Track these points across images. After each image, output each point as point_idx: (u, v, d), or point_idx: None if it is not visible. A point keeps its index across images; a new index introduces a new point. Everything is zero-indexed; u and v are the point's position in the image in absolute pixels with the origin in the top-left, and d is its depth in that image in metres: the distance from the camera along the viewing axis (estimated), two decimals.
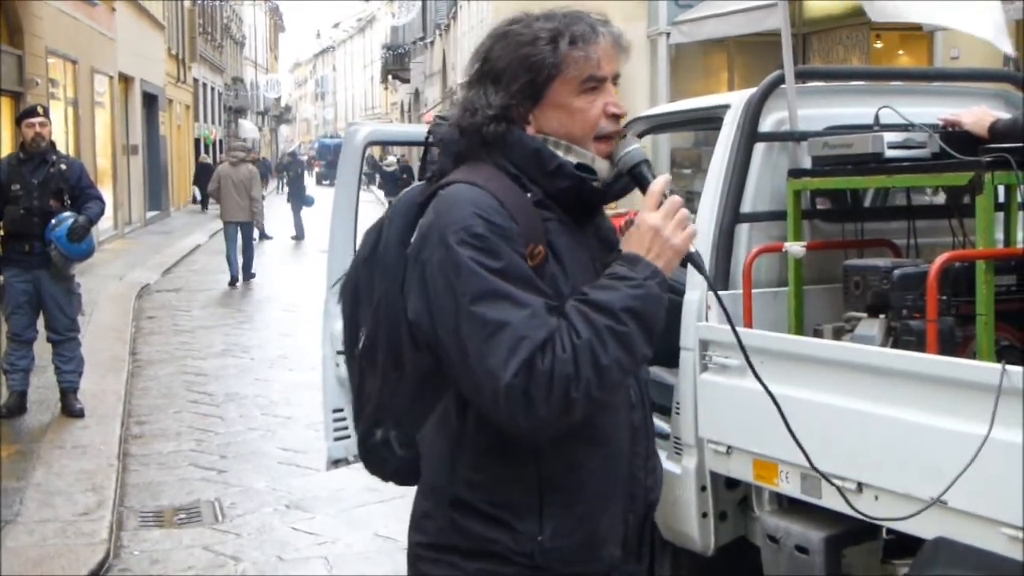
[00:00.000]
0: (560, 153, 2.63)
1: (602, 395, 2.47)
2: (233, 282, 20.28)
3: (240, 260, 20.32)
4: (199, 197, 40.42)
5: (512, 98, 2.63)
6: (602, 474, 2.64)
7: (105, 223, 22.23)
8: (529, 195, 2.60)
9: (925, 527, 3.82)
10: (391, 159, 42.11)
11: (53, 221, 9.04)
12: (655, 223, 2.53)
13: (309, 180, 43.02)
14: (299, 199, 30.56)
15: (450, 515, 2.67)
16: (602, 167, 2.66)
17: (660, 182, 2.57)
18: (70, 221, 9.03)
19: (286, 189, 33.31)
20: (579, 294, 2.51)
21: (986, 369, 3.61)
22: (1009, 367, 3.48)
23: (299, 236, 29.32)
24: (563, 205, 2.64)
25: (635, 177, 2.64)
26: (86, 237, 9.18)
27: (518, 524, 2.59)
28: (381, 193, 44.69)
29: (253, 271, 20.87)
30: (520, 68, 2.62)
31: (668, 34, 17.63)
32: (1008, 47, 4.98)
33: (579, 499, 2.61)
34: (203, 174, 39.25)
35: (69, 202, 9.23)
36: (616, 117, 2.65)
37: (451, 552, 2.68)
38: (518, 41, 2.65)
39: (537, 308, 2.44)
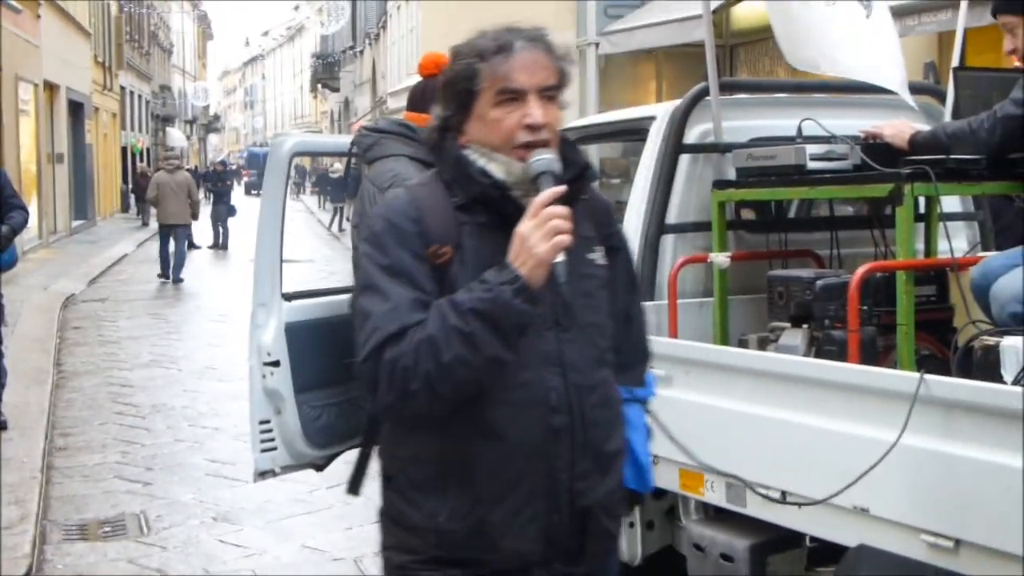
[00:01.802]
0: (482, 161, 2.79)
1: (447, 390, 2.63)
2: (164, 276, 22.01)
3: (172, 262, 21.94)
4: (137, 208, 39.75)
5: (448, 111, 2.85)
6: (496, 468, 2.74)
7: (29, 232, 22.02)
8: (455, 199, 2.79)
9: (848, 534, 3.87)
10: (338, 165, 42.30)
11: None
12: (523, 231, 2.63)
13: (238, 189, 42.63)
14: (225, 209, 30.45)
15: (384, 487, 2.93)
16: (516, 172, 2.76)
17: (545, 194, 2.64)
18: None
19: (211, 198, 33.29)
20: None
21: (904, 378, 3.66)
22: (927, 376, 3.54)
23: (223, 246, 29.31)
24: (488, 210, 2.78)
25: (536, 187, 2.71)
26: (8, 247, 9.04)
27: (423, 502, 2.81)
28: (312, 202, 44.69)
29: (182, 276, 22.10)
30: (452, 83, 2.83)
31: (597, 44, 17.68)
32: (911, 101, 5.12)
33: (471, 488, 2.76)
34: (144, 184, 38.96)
35: None
36: (532, 128, 2.75)
37: (387, 520, 2.93)
38: (455, 59, 2.84)
39: (399, 303, 2.68)
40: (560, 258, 2.61)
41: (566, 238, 2.61)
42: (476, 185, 2.78)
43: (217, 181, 32.26)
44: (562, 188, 2.67)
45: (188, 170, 28.38)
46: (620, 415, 2.98)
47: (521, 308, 2.60)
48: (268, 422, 5.36)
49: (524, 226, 2.63)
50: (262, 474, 5.47)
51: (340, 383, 5.34)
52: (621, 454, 2.96)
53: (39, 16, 27.84)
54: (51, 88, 30.76)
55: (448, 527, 2.77)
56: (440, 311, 2.63)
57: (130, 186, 44.11)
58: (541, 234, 2.60)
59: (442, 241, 2.74)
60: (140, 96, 55.32)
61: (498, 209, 2.77)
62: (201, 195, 28.85)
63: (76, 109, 35.39)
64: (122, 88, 47.71)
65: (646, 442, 3.13)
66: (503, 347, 2.62)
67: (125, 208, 44.11)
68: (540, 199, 2.64)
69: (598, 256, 2.92)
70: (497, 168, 2.78)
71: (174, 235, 21.83)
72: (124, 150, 48.46)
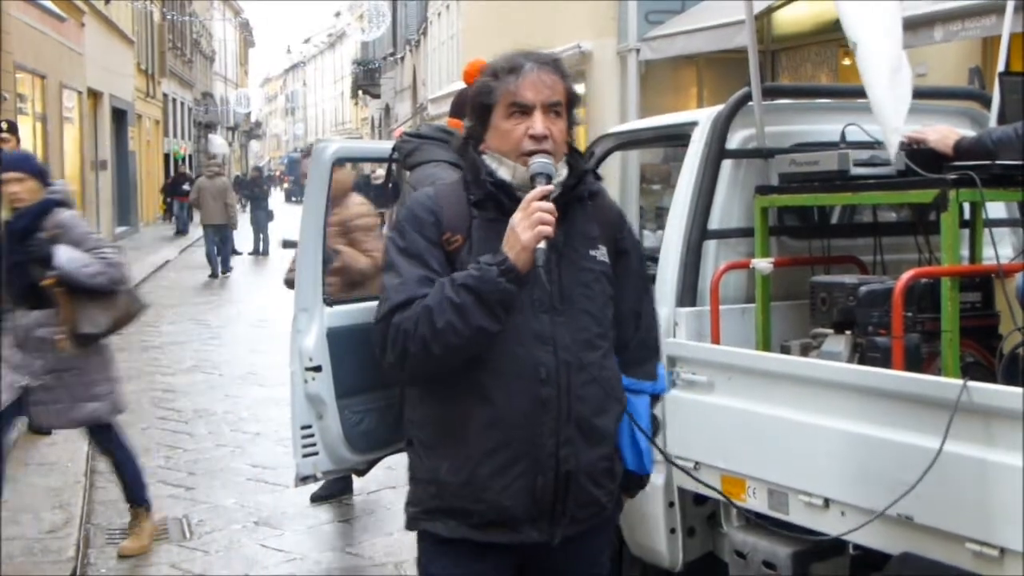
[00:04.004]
0: (494, 165, 3.24)
1: (443, 353, 3.05)
2: (214, 276, 24.66)
3: (219, 257, 25.02)
4: (184, 219, 38.96)
5: (472, 122, 3.33)
6: (486, 429, 3.14)
7: None
8: (472, 197, 3.25)
9: (892, 542, 3.85)
10: (380, 171, 42.63)
11: None
12: (514, 221, 3.05)
13: (278, 195, 42.64)
14: (264, 215, 30.69)
15: (407, 450, 3.40)
16: (520, 175, 3.20)
17: (535, 192, 3.06)
18: None
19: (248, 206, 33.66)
20: None
21: (947, 385, 3.63)
22: (970, 383, 3.51)
23: (264, 252, 29.64)
24: (496, 207, 3.21)
25: (533, 186, 3.11)
26: None
27: (429, 458, 3.26)
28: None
29: (231, 265, 25.61)
30: (473, 99, 3.32)
31: (638, 50, 17.63)
32: (892, 150, 4.76)
33: (464, 445, 3.17)
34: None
35: None
36: (535, 138, 3.17)
37: (409, 479, 3.39)
38: (479, 77, 3.32)
39: (407, 278, 3.14)
40: (542, 245, 3.00)
41: (548, 228, 3.01)
42: (485, 185, 3.22)
43: (253, 187, 32.62)
44: (549, 187, 3.09)
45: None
46: (617, 397, 3.35)
47: (504, 286, 3.00)
48: (310, 427, 5.39)
49: (515, 217, 3.05)
50: (304, 479, 5.49)
51: (382, 388, 5.35)
52: (611, 430, 3.32)
53: (83, 24, 28.05)
54: (95, 96, 31.01)
55: (446, 480, 3.20)
56: (440, 286, 3.07)
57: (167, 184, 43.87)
58: (527, 224, 3.00)
59: (454, 230, 3.21)
60: (183, 103, 55.70)
61: (503, 206, 3.19)
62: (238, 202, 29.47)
63: (119, 116, 35.67)
64: (165, 95, 48.05)
65: (648, 430, 3.50)
66: (488, 319, 3.02)
67: (170, 215, 42.96)
68: (530, 195, 3.06)
69: (599, 253, 3.31)
70: (505, 171, 3.22)
71: (217, 234, 24.75)
72: (167, 157, 48.77)
